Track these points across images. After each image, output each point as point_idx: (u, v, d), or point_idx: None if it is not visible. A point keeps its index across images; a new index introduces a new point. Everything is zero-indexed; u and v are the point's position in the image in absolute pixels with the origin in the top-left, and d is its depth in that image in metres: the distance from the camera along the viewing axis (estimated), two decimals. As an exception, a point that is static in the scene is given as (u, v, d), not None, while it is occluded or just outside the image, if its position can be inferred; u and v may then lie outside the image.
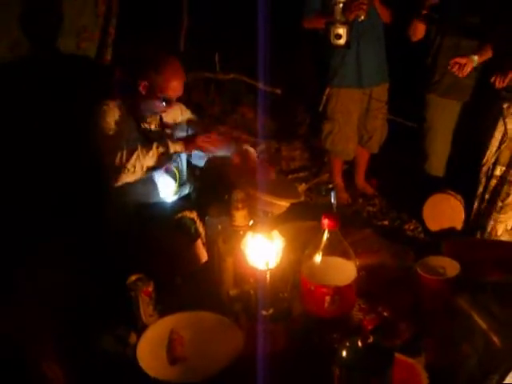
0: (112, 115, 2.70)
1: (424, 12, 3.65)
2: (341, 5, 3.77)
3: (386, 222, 4.15)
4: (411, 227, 4.04)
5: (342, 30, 3.82)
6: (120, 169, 2.57)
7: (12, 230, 2.74)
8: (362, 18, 3.81)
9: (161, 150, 2.63)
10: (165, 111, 2.82)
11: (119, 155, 2.57)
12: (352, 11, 3.77)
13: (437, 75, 3.77)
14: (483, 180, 3.43)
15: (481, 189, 3.45)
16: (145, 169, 2.61)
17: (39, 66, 3.37)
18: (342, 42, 3.85)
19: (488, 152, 3.37)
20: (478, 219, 3.50)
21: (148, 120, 2.82)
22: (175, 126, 2.92)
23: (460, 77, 3.50)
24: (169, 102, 2.75)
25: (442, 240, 3.57)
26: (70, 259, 2.38)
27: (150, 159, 2.60)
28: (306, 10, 3.99)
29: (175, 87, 2.72)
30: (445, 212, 3.79)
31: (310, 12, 3.98)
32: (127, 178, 2.61)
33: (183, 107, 3.00)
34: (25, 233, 2.75)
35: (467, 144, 3.76)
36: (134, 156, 2.57)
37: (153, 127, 2.84)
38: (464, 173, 3.76)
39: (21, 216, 2.85)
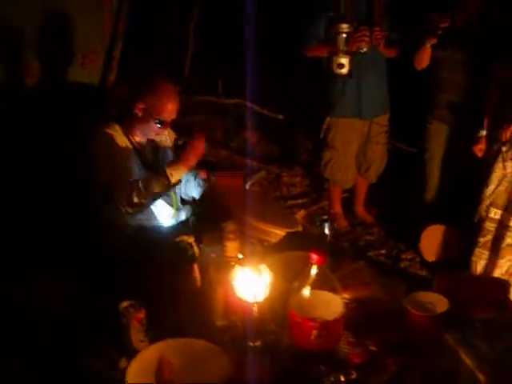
0: (111, 145, 2.74)
1: (438, 33, 3.62)
2: (344, 35, 3.79)
3: (383, 251, 4.14)
4: (408, 257, 4.04)
5: (344, 60, 3.83)
6: (131, 203, 2.64)
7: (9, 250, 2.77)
8: (365, 49, 3.83)
9: (163, 181, 2.69)
10: (159, 133, 2.87)
11: (127, 190, 2.63)
12: (354, 42, 3.80)
13: (440, 107, 3.82)
14: (479, 221, 3.41)
15: (478, 231, 3.42)
16: (150, 200, 2.69)
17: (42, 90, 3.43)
18: (344, 71, 3.87)
19: (485, 191, 3.35)
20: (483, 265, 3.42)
21: (142, 143, 2.88)
22: (165, 149, 2.97)
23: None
24: (163, 125, 2.80)
25: (434, 274, 3.61)
26: (65, 282, 2.40)
27: (154, 190, 2.68)
28: (309, 38, 4.00)
29: (170, 110, 2.78)
30: (440, 243, 3.81)
31: (312, 40, 3.99)
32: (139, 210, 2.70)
33: (171, 131, 3.04)
34: (22, 253, 2.78)
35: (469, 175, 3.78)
36: (135, 190, 2.63)
37: (147, 151, 2.89)
38: (463, 203, 3.77)
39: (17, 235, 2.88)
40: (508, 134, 3.22)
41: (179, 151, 2.80)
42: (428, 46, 3.68)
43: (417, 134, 4.12)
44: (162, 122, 2.78)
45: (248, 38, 3.59)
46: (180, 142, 2.81)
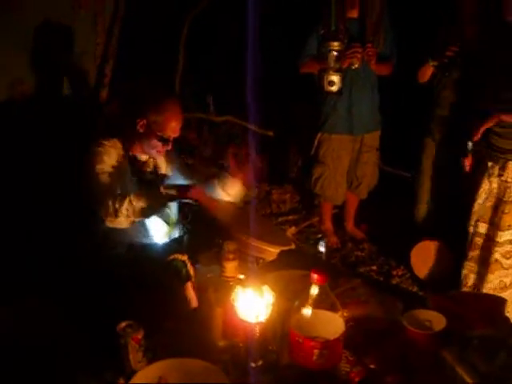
0: (107, 157, 2.69)
1: (443, 60, 3.67)
2: (335, 52, 3.83)
3: (374, 268, 4.16)
4: (399, 273, 4.06)
5: (335, 78, 3.87)
6: (113, 214, 2.55)
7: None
8: (356, 66, 3.89)
9: (154, 194, 2.64)
10: (160, 152, 2.82)
11: (112, 201, 2.55)
12: (346, 59, 3.85)
13: (434, 123, 3.87)
14: (469, 236, 3.46)
15: (468, 245, 3.47)
16: (138, 214, 2.58)
17: (35, 105, 3.42)
18: (334, 88, 3.90)
19: (473, 206, 3.39)
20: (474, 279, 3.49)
21: (142, 161, 2.84)
22: (166, 173, 2.95)
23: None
24: (166, 142, 2.75)
25: (427, 290, 3.63)
26: (58, 302, 2.38)
27: (142, 204, 2.58)
28: (302, 55, 4.05)
29: (174, 128, 2.73)
30: (431, 259, 3.84)
31: (304, 57, 4.04)
32: (121, 223, 2.60)
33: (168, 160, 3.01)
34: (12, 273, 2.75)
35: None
36: (126, 201, 2.55)
37: (147, 170, 2.86)
38: (454, 219, 3.80)
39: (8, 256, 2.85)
40: (478, 135, 3.24)
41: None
42: (431, 65, 3.74)
43: (409, 158, 4.15)
44: (164, 140, 2.74)
45: (241, 53, 3.60)
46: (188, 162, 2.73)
